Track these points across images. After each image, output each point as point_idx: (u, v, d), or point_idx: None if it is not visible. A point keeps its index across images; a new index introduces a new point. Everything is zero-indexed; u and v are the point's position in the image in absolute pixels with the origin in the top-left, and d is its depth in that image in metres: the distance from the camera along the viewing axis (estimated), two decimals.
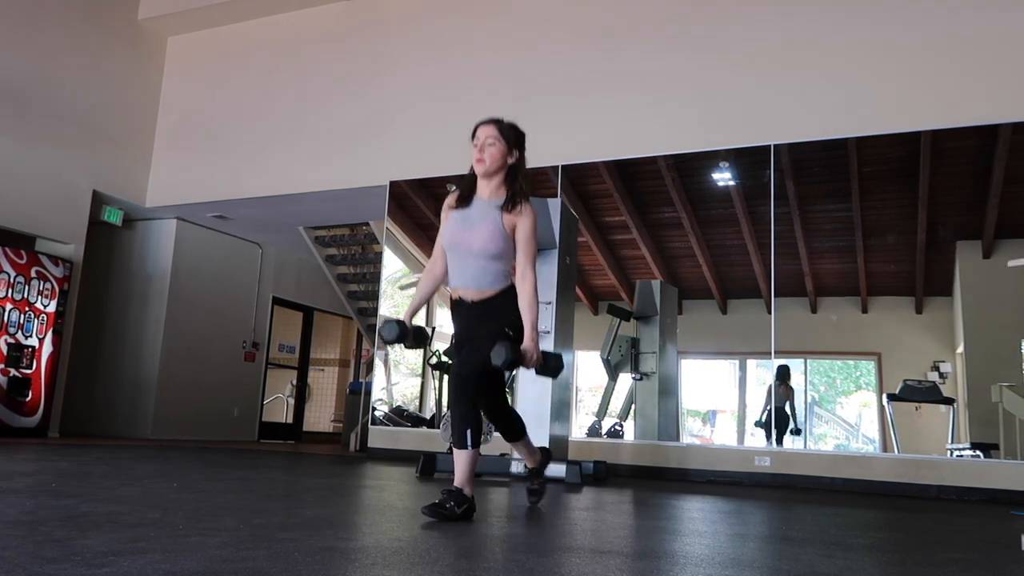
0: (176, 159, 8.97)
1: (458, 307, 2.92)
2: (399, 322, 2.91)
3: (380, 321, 3.02)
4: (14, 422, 7.43)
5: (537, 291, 2.78)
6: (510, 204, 2.81)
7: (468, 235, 2.83)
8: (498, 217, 2.80)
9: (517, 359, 2.65)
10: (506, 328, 2.79)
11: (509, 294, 2.83)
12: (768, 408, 6.27)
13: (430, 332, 2.94)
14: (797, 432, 6.24)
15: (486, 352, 2.69)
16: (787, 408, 6.25)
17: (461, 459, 2.73)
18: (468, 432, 2.73)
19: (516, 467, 5.01)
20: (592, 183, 7.11)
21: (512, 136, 2.88)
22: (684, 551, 2.27)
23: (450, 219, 2.92)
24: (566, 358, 5.42)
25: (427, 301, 3.09)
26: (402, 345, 2.92)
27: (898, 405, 5.89)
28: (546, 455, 3.36)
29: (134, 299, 9.44)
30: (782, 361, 6.30)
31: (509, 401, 3.22)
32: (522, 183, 2.86)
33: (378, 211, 7.88)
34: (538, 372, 2.80)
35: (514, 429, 3.10)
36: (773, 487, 5.59)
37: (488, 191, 2.87)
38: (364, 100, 8.05)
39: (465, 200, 2.90)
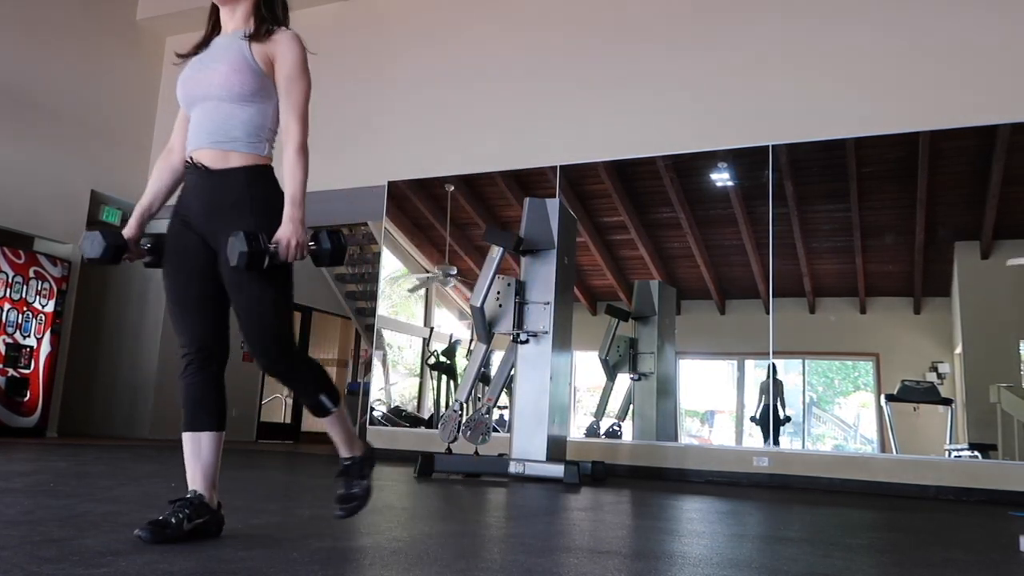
0: None
1: (192, 175, 2.06)
2: (111, 233, 2.07)
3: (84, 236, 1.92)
4: (12, 422, 7.42)
5: (306, 150, 1.99)
6: (261, 30, 2.05)
7: (205, 74, 2.06)
8: (244, 47, 2.03)
9: (259, 252, 1.86)
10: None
11: (264, 175, 2.03)
12: (765, 403, 6.27)
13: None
14: (787, 419, 6.26)
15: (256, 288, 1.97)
16: (778, 402, 6.29)
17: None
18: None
19: (515, 467, 4.98)
20: (591, 183, 7.11)
21: None
22: (682, 551, 2.27)
23: (184, 68, 2.15)
24: (565, 358, 5.43)
25: (164, 199, 2.17)
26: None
27: (896, 406, 5.89)
28: (369, 450, 2.36)
29: (132, 299, 9.42)
30: (780, 361, 6.31)
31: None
32: (279, 8, 2.12)
33: (376, 211, 7.87)
34: (316, 262, 2.01)
35: (313, 386, 2.20)
36: (771, 487, 5.59)
37: (232, 24, 2.12)
38: (362, 100, 8.05)
39: (204, 42, 2.15)
